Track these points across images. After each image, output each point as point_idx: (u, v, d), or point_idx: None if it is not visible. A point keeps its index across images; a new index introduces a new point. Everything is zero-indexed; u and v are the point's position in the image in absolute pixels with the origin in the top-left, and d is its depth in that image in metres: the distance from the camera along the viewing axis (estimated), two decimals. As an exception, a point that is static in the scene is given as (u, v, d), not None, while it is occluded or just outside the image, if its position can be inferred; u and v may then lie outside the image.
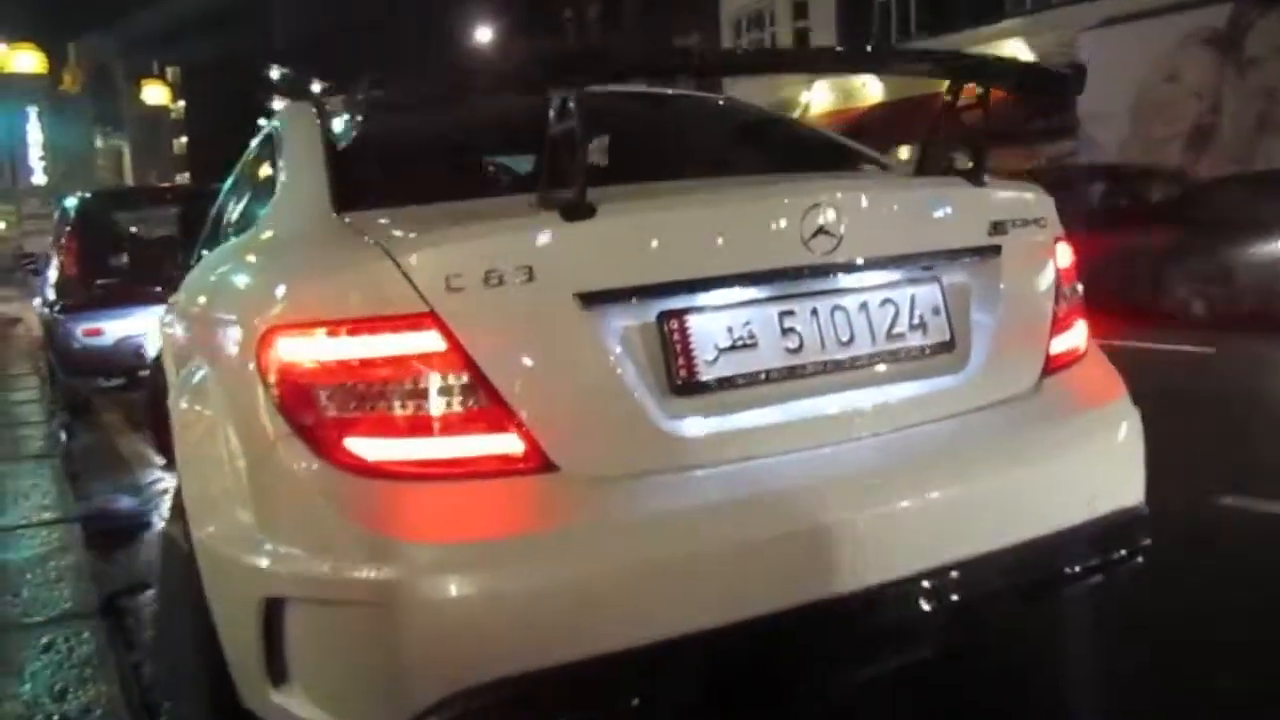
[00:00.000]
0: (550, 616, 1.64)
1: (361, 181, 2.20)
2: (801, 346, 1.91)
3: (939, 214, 2.12)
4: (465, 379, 1.70)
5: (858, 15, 25.36)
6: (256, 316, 1.87)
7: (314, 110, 2.70)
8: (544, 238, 1.74)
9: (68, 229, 8.02)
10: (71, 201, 8.74)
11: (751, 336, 1.88)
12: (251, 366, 1.83)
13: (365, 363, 1.70)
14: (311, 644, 1.73)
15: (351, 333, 1.70)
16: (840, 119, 25.89)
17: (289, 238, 2.15)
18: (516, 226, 1.76)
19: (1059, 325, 2.23)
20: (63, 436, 6.39)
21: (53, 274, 8.09)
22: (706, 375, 1.83)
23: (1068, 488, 2.06)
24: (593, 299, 1.76)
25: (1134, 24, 17.72)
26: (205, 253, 3.27)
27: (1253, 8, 16.48)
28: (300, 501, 1.75)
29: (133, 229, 8.61)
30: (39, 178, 52.66)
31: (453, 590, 1.60)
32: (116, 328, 7.43)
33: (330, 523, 1.70)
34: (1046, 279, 2.22)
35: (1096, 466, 2.13)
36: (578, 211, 1.74)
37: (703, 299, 1.85)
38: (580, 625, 1.65)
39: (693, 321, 1.84)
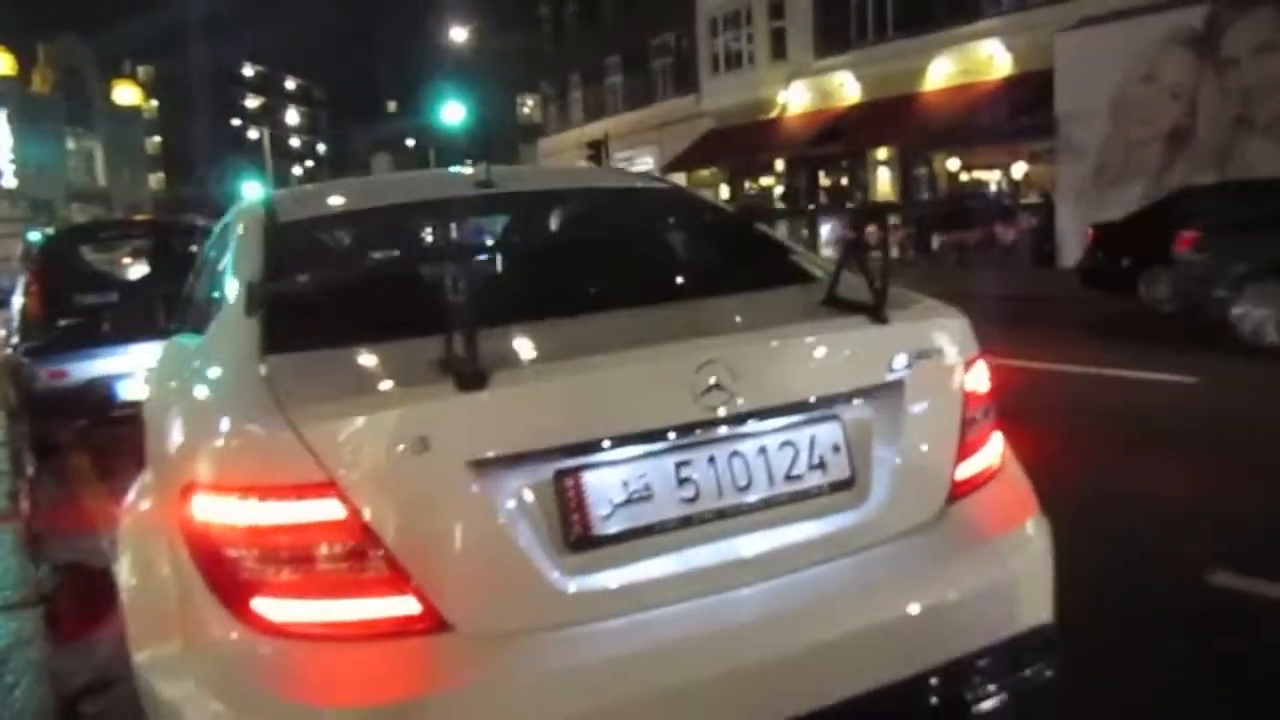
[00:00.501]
0: None
1: (298, 309, 2.28)
2: (698, 495, 1.96)
3: (839, 356, 2.14)
4: (363, 545, 1.77)
5: (834, 14, 25.23)
6: (181, 465, 1.94)
7: (265, 219, 2.76)
8: (437, 409, 1.80)
9: (33, 267, 7.81)
10: (36, 238, 8.52)
11: (647, 489, 1.93)
12: (177, 510, 1.89)
13: (270, 528, 1.77)
14: None
15: (258, 498, 1.77)
16: (818, 119, 25.82)
17: (219, 380, 2.16)
18: (411, 398, 1.82)
19: (965, 451, 2.24)
20: (22, 494, 6.22)
21: (16, 313, 7.88)
22: (602, 530, 1.89)
23: (968, 615, 2.10)
24: (486, 465, 1.82)
25: (1112, 24, 17.68)
26: (179, 328, 3.14)
27: (1228, 8, 16.46)
28: (211, 651, 1.83)
29: (102, 267, 8.43)
30: (9, 180, 51.88)
31: None
32: (83, 369, 7.24)
33: (237, 679, 1.79)
34: (952, 407, 2.24)
35: (998, 591, 2.16)
36: (470, 382, 1.80)
37: (598, 457, 1.90)
38: None
39: (588, 478, 1.89)
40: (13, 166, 52.43)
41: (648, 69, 34.05)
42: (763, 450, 2.02)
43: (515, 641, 1.81)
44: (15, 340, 7.65)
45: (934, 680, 2.03)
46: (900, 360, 2.15)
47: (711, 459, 1.98)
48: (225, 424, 1.90)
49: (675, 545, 1.94)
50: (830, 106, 25.85)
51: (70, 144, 59.08)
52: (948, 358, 2.24)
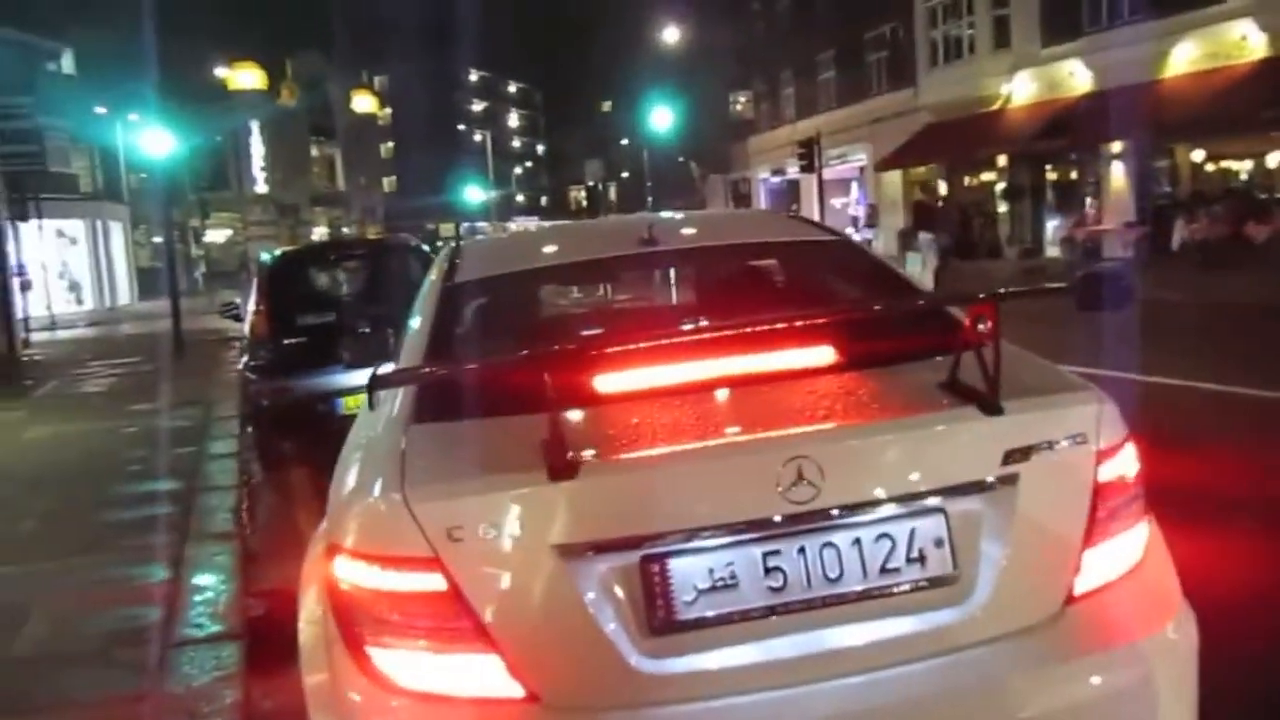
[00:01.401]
0: None
1: (450, 380, 2.41)
2: (785, 585, 1.97)
3: (944, 450, 2.07)
4: (461, 617, 1.92)
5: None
6: (330, 523, 2.16)
7: (443, 277, 3.05)
8: (531, 496, 1.93)
9: (261, 287, 8.28)
10: (266, 258, 9.03)
11: (733, 577, 1.96)
12: (324, 563, 2.13)
13: (386, 593, 1.96)
14: None
15: (379, 566, 1.96)
16: (1044, 111, 24.38)
17: (371, 442, 2.36)
18: (506, 485, 1.95)
19: (1093, 548, 2.11)
20: (244, 509, 6.54)
21: (246, 330, 8.38)
22: (684, 615, 1.94)
23: None
24: (574, 550, 1.93)
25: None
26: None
27: None
28: (340, 694, 2.05)
29: (323, 286, 8.82)
30: (261, 186, 56.26)
31: None
32: (305, 386, 7.58)
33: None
34: (1078, 500, 2.11)
35: (1118, 702, 2.03)
36: (561, 473, 1.92)
37: (684, 544, 1.95)
38: None
39: (674, 565, 1.95)
40: (264, 174, 56.66)
41: (862, 63, 33.13)
42: (857, 542, 1.99)
43: (595, 717, 1.91)
44: (245, 358, 8.12)
45: None
46: (1015, 454, 2.05)
47: (801, 549, 1.98)
48: (358, 493, 2.12)
49: (759, 634, 1.96)
50: (1058, 97, 24.34)
51: (314, 151, 63.39)
52: (1075, 449, 2.10)
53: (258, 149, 55.95)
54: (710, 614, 1.94)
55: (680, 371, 2.43)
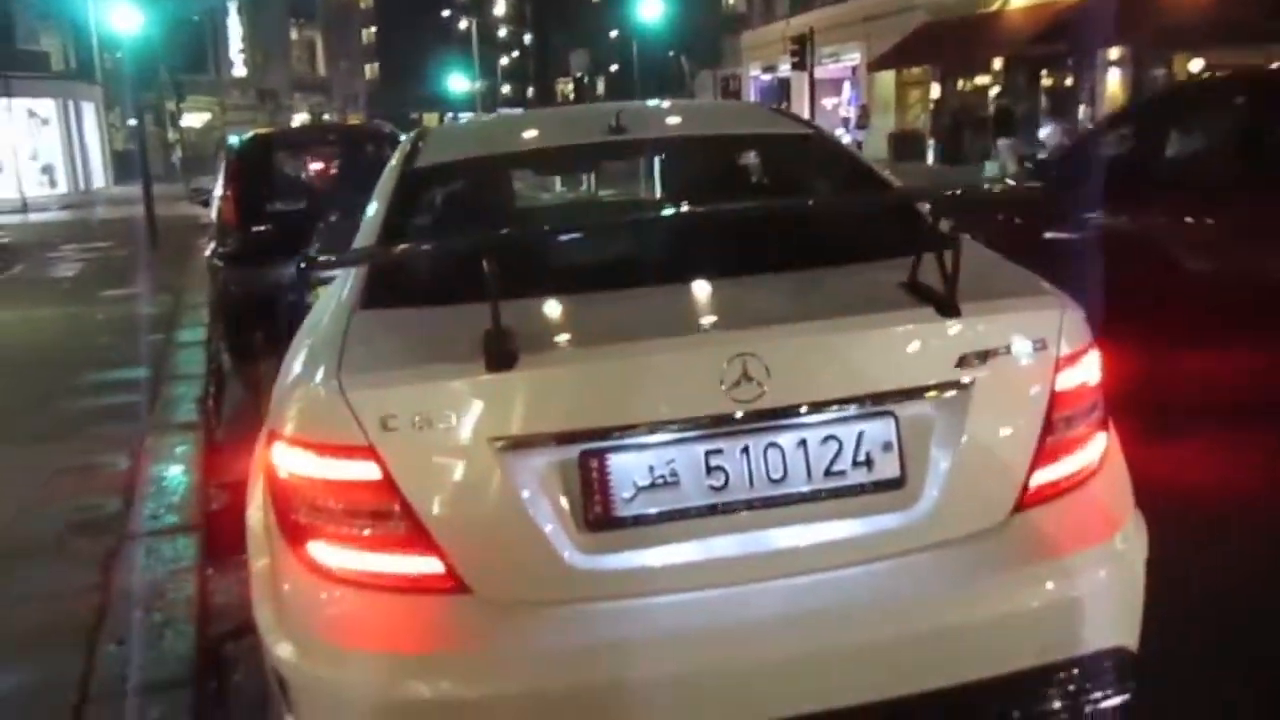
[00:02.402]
0: None
1: (395, 265, 2.40)
2: (727, 484, 1.94)
3: (896, 351, 2.02)
4: (395, 506, 1.90)
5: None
6: (271, 410, 2.07)
7: (405, 161, 3.01)
8: (467, 386, 1.89)
9: (228, 173, 8.01)
10: (234, 142, 8.74)
11: (674, 475, 1.93)
12: (265, 452, 2.08)
13: (321, 480, 1.94)
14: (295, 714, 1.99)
15: (314, 452, 1.93)
16: (1043, 13, 23.78)
17: (316, 330, 2.30)
18: (443, 374, 1.91)
19: (1046, 455, 2.08)
20: (209, 399, 6.41)
21: (214, 218, 8.14)
22: (623, 512, 1.92)
23: (1019, 631, 1.99)
24: (510, 443, 1.89)
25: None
26: None
27: None
28: (276, 584, 2.04)
29: (294, 174, 8.55)
30: (239, 70, 54.73)
31: (364, 693, 1.87)
32: (273, 276, 7.39)
33: (289, 613, 2.00)
34: (1033, 408, 2.07)
35: (1062, 609, 2.01)
36: (499, 363, 1.87)
37: (623, 440, 1.92)
38: None
39: (613, 460, 1.92)
40: (242, 57, 55.09)
41: (859, -42, 32.17)
42: (802, 443, 1.96)
43: (527, 611, 1.91)
44: (213, 245, 7.90)
45: (968, 696, 1.95)
46: (970, 358, 2.00)
47: (745, 449, 1.95)
48: (297, 379, 2.07)
49: (700, 533, 1.94)
50: (1057, 1, 23.73)
51: (294, 34, 61.59)
52: (1033, 355, 2.05)
53: (235, 30, 54.26)
54: (649, 511, 1.93)
55: (628, 260, 2.42)
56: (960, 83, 28.66)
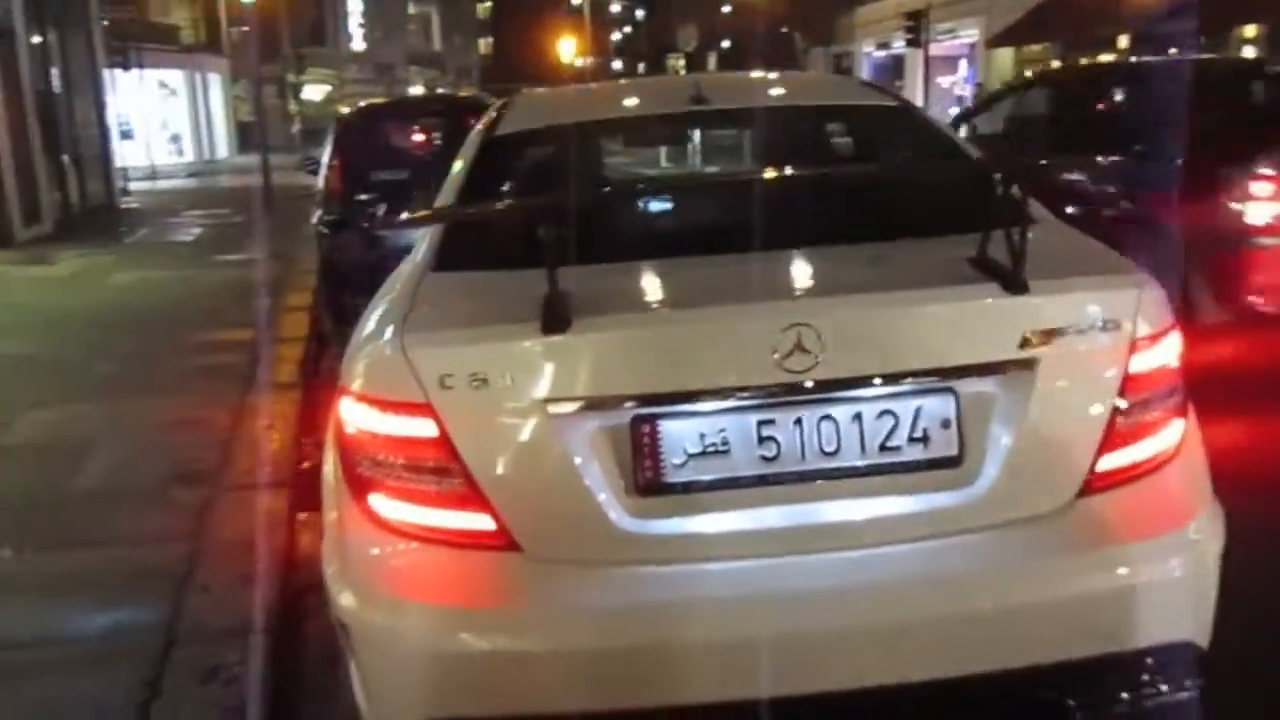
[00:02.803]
0: (493, 677, 1.93)
1: (476, 227, 2.47)
2: (779, 455, 1.94)
3: (959, 326, 1.99)
4: (450, 463, 1.95)
5: None
6: (341, 369, 2.14)
7: (485, 130, 3.11)
8: (521, 348, 1.93)
9: (335, 142, 8.20)
10: (342, 113, 8.95)
11: (725, 443, 1.94)
12: (335, 406, 2.16)
13: (382, 436, 2.00)
14: (356, 660, 2.08)
15: (376, 408, 1.99)
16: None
17: (390, 292, 2.38)
18: (499, 335, 1.97)
19: (1116, 439, 2.01)
20: (311, 361, 6.60)
21: (320, 187, 8.35)
22: (672, 479, 1.94)
23: (1078, 618, 1.95)
24: (564, 405, 1.93)
25: None
26: None
27: None
28: (340, 532, 2.14)
29: (399, 143, 8.69)
30: (358, 44, 56.00)
31: (417, 642, 1.95)
32: (377, 243, 7.55)
33: (352, 561, 2.09)
34: (1103, 390, 2.00)
35: (1125, 598, 1.95)
36: (554, 327, 1.90)
37: (676, 408, 1.94)
38: (520, 688, 1.93)
39: (664, 426, 1.94)
40: (361, 30, 56.32)
41: (981, -70, 31.18)
42: (858, 417, 1.95)
43: (574, 571, 1.95)
44: (320, 212, 8.11)
45: (1021, 681, 1.92)
46: (1035, 336, 1.95)
47: (798, 420, 1.94)
48: (366, 338, 2.12)
49: (748, 502, 1.95)
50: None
51: (411, 9, 62.69)
52: (1105, 335, 1.98)
53: (355, 5, 55.49)
54: (698, 479, 1.94)
55: (693, 228, 2.45)
56: (1083, 61, 27.62)
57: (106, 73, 21.65)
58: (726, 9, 64.17)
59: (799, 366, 1.88)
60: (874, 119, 3.21)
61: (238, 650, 2.96)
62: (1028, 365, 1.96)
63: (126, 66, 27.30)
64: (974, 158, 2.84)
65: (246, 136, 40.18)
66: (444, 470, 1.95)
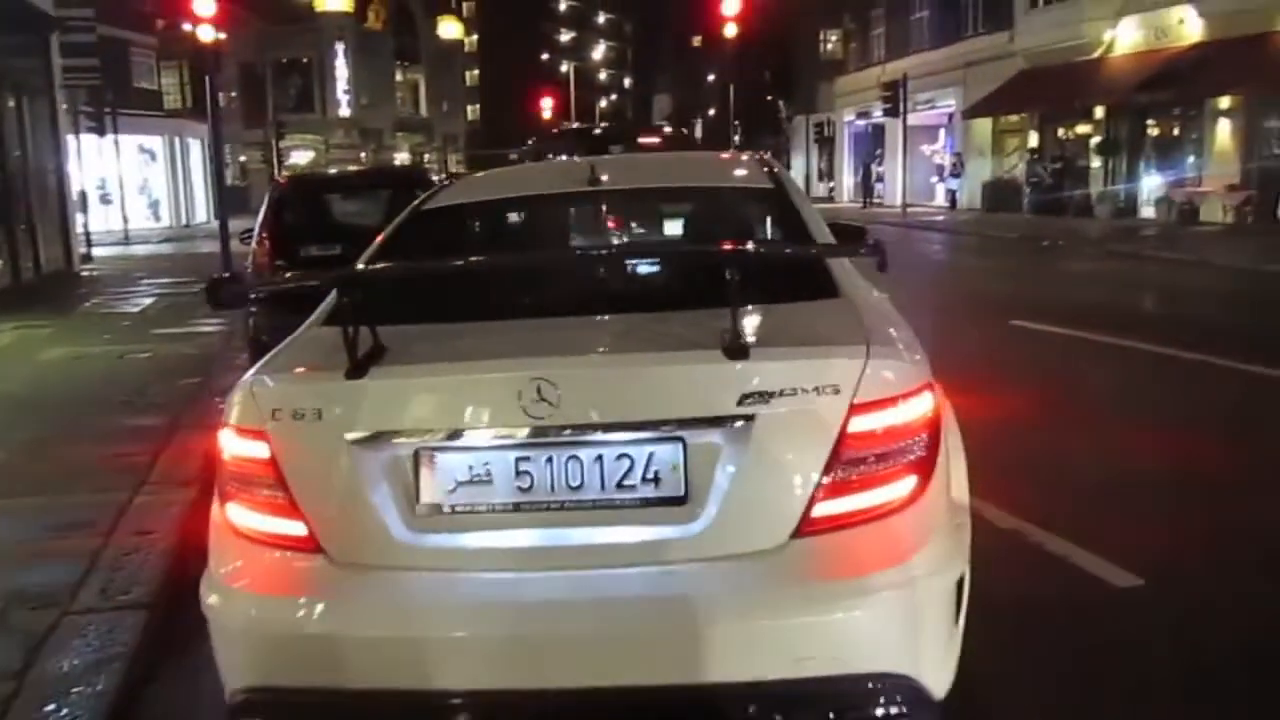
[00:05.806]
0: (301, 655, 2.33)
1: (368, 290, 2.66)
2: (532, 486, 2.32)
3: (680, 386, 2.30)
4: (275, 480, 2.38)
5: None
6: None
7: (417, 204, 3.63)
8: (326, 389, 2.38)
9: (265, 216, 7.84)
10: (275, 183, 8.61)
11: (489, 474, 2.33)
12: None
13: (236, 456, 2.45)
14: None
15: (235, 433, 2.44)
16: (1149, 60, 22.83)
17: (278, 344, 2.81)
18: (310, 378, 2.49)
19: (833, 490, 2.25)
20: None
21: (249, 260, 7.98)
22: (444, 501, 2.35)
23: (775, 642, 2.19)
24: (360, 438, 2.35)
25: None
26: None
27: None
28: (212, 532, 2.56)
29: (336, 217, 8.36)
30: (344, 110, 56.16)
31: (244, 623, 2.40)
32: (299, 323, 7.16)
33: (213, 556, 2.54)
34: (817, 446, 2.25)
35: (822, 629, 2.19)
36: (353, 374, 2.33)
37: (451, 443, 2.35)
38: (321, 665, 2.29)
39: (439, 458, 2.35)
40: (348, 97, 56.54)
41: (957, 3, 31.46)
42: (599, 458, 2.30)
43: (363, 572, 2.36)
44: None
45: (721, 695, 2.18)
46: (751, 396, 2.23)
47: (550, 459, 2.31)
48: (240, 381, 2.53)
49: (506, 524, 2.34)
50: (1165, 46, 22.75)
51: (399, 76, 63.10)
52: (821, 399, 2.24)
53: (342, 72, 55.78)
54: (465, 503, 2.34)
55: (496, 297, 2.92)
56: (1060, 131, 27.68)
57: (82, 137, 21.50)
58: (711, 78, 64.82)
59: (539, 414, 2.24)
60: (739, 200, 3.67)
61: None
62: (747, 420, 2.23)
63: (102, 132, 27.16)
64: (808, 242, 3.10)
65: (229, 200, 40.10)
66: (271, 485, 2.38)
